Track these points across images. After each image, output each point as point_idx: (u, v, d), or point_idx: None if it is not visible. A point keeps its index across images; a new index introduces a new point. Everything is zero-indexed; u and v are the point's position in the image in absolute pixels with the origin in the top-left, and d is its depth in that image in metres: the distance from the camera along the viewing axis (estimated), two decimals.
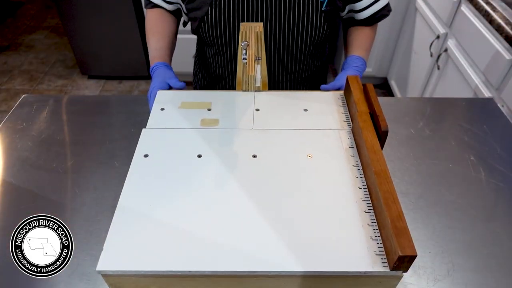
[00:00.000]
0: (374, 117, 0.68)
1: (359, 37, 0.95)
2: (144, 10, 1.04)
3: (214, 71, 1.01)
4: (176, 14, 0.97)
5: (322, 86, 0.85)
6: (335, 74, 2.56)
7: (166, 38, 0.94)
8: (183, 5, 0.91)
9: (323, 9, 0.85)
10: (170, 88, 0.84)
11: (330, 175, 0.63)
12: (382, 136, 0.65)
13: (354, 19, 0.94)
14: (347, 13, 0.93)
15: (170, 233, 0.55)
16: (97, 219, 0.68)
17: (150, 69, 0.90)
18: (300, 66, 0.96)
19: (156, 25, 0.94)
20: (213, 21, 0.86)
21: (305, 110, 0.76)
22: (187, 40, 1.38)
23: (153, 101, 0.77)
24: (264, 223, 0.56)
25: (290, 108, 0.77)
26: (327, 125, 0.73)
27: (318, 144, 0.68)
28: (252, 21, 0.86)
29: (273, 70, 0.95)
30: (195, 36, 1.00)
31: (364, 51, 0.93)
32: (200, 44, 1.05)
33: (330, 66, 2.63)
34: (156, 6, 0.95)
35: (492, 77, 1.29)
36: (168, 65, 0.90)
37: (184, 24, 0.99)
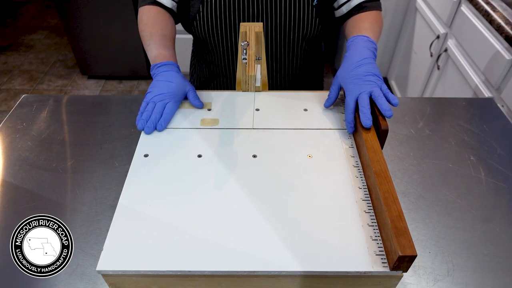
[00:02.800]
0: (374, 116, 0.68)
1: (355, 21, 0.86)
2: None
3: (209, 69, 1.01)
4: (173, 13, 0.91)
5: (326, 105, 0.76)
6: (334, 74, 2.55)
7: (172, 38, 0.87)
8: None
9: (314, 4, 0.85)
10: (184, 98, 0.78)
11: (330, 175, 0.63)
12: (382, 135, 0.65)
13: (348, 14, 0.89)
14: (339, 7, 0.89)
15: (170, 233, 0.55)
16: (97, 219, 0.68)
17: (158, 65, 0.78)
18: (293, 62, 0.96)
19: (157, 20, 0.86)
20: (205, 19, 0.86)
21: (305, 110, 0.76)
22: (187, 40, 1.38)
23: (159, 106, 0.72)
24: (264, 223, 0.56)
25: (290, 108, 0.77)
26: (327, 125, 0.73)
27: (318, 144, 0.68)
28: (244, 17, 0.86)
29: (267, 66, 0.95)
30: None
31: (364, 30, 0.80)
32: (195, 42, 1.05)
33: (329, 66, 2.63)
34: (152, 2, 0.87)
35: (492, 77, 1.29)
36: (180, 71, 0.80)
37: (176, 22, 0.93)
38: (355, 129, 0.70)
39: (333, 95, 0.75)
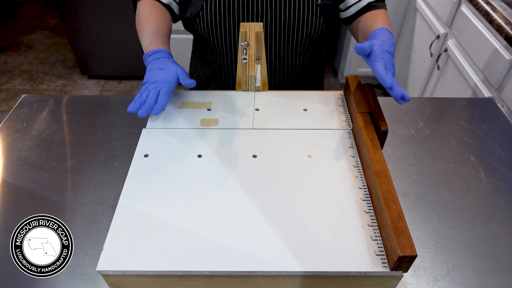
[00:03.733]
0: (374, 117, 0.68)
1: (370, 18, 0.86)
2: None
3: (211, 68, 1.01)
4: (170, 10, 0.90)
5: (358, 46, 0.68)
6: (334, 74, 2.56)
7: (166, 28, 0.86)
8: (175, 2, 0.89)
9: (318, 3, 0.85)
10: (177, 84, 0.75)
11: (330, 175, 0.63)
12: (381, 136, 0.65)
13: (356, 14, 0.90)
14: (347, 8, 0.90)
15: (170, 233, 0.55)
16: (97, 219, 0.68)
17: (149, 54, 0.77)
18: (296, 61, 0.96)
19: (153, 13, 0.86)
20: (208, 17, 0.86)
21: (305, 110, 0.76)
22: (187, 40, 1.38)
23: (154, 97, 0.71)
24: (264, 223, 0.56)
25: (290, 108, 0.77)
26: (327, 125, 0.73)
27: (318, 144, 0.68)
28: (248, 15, 0.86)
29: (270, 65, 0.95)
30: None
31: (384, 25, 0.79)
32: (196, 41, 1.04)
33: (329, 66, 2.63)
34: None
35: (492, 77, 1.29)
36: (172, 57, 0.79)
37: (175, 20, 0.93)
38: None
39: (368, 44, 0.68)
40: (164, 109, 0.73)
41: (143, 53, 0.80)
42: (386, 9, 0.89)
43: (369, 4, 0.87)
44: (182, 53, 1.56)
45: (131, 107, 0.70)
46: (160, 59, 0.76)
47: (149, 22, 0.84)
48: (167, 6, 0.89)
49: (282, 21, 0.87)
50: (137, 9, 0.90)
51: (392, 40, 0.74)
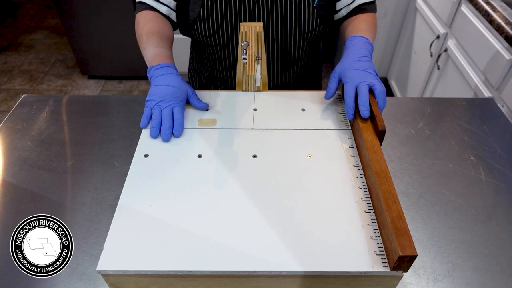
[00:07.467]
0: (372, 116, 0.68)
1: (353, 23, 0.87)
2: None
3: (209, 72, 1.01)
4: (169, 19, 0.89)
5: (326, 97, 0.77)
6: None
7: (169, 40, 0.85)
8: (173, 11, 0.88)
9: (314, 5, 0.86)
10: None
11: (330, 175, 0.63)
12: (379, 135, 0.65)
13: (346, 16, 0.91)
14: (338, 10, 0.91)
15: (170, 233, 0.55)
16: (97, 219, 0.68)
17: (156, 67, 0.75)
18: (294, 64, 0.96)
19: (154, 24, 0.84)
20: (205, 22, 0.86)
21: (303, 110, 0.76)
22: (186, 41, 1.38)
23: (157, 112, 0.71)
24: (264, 223, 0.56)
25: (290, 108, 0.77)
26: (328, 125, 0.73)
27: (318, 144, 0.69)
28: (245, 20, 0.86)
29: (268, 68, 0.95)
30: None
31: (362, 32, 0.82)
32: (194, 45, 1.04)
33: (330, 66, 2.63)
34: (149, 8, 0.86)
35: (492, 77, 1.29)
36: (177, 72, 0.77)
37: (175, 28, 0.92)
38: (354, 117, 0.70)
39: (333, 87, 0.75)
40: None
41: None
42: (376, 12, 0.91)
43: (359, 6, 0.89)
44: (182, 54, 1.56)
45: (153, 133, 0.70)
46: (168, 75, 0.74)
47: (152, 32, 0.82)
48: (166, 16, 0.88)
49: (279, 25, 0.87)
50: (136, 20, 0.88)
51: (366, 44, 0.78)
